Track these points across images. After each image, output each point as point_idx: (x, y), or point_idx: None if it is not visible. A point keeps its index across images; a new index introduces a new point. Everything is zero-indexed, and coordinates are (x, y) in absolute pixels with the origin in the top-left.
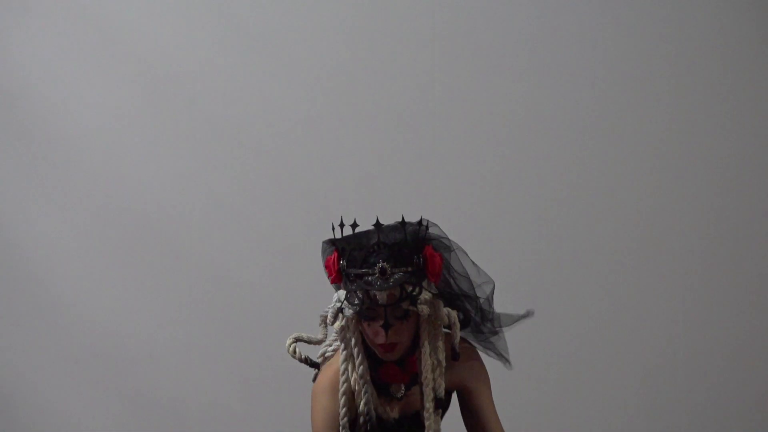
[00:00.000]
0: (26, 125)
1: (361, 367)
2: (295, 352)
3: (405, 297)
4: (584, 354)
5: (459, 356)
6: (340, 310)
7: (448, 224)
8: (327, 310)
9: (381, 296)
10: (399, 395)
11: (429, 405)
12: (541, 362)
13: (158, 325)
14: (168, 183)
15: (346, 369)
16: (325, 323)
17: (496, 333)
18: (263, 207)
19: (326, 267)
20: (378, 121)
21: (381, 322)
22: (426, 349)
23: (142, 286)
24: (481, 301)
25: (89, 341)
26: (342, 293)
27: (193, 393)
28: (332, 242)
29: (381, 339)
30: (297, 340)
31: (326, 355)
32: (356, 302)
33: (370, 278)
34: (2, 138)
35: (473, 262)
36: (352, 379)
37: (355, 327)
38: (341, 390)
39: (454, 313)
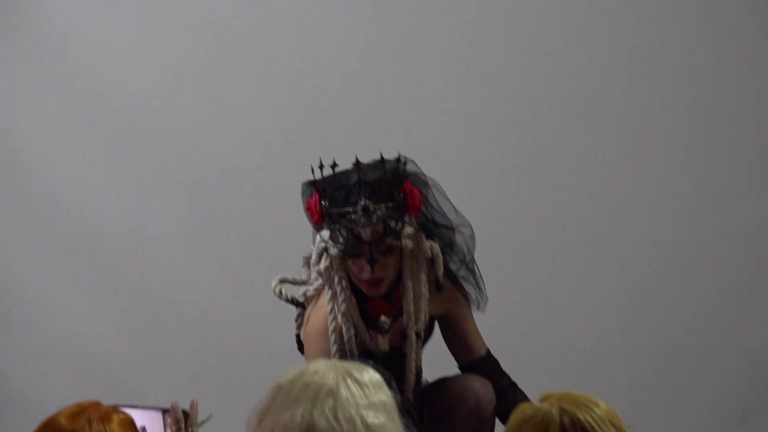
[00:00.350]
0: (17, 20)
1: (344, 305)
2: (281, 293)
3: (388, 232)
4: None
5: (443, 288)
6: (325, 249)
7: (423, 161)
8: (310, 251)
9: (365, 233)
10: (387, 327)
11: (412, 337)
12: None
13: (150, 218)
14: (162, 77)
15: (333, 308)
16: (309, 264)
17: (470, 274)
18: (256, 104)
19: (308, 209)
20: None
21: (366, 259)
22: (409, 283)
23: (136, 180)
24: (457, 235)
25: (83, 232)
26: (325, 234)
27: (184, 285)
28: (312, 184)
29: (366, 275)
30: (282, 281)
31: (307, 294)
32: (341, 241)
33: (353, 216)
34: None
35: (450, 201)
36: (339, 318)
37: (339, 266)
38: (330, 329)
39: (436, 246)
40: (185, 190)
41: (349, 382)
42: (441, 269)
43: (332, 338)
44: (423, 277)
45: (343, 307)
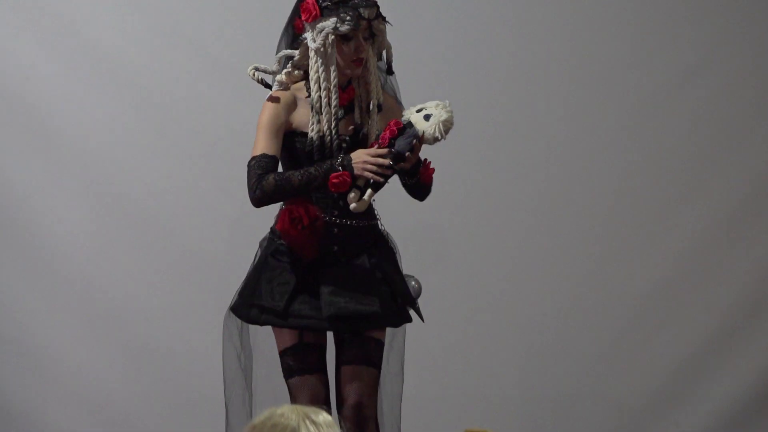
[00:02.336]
0: None
1: (335, 78)
2: (254, 75)
3: (379, 15)
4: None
5: (392, 72)
6: (336, 28)
7: None
8: (286, 52)
9: (365, 12)
10: (340, 115)
11: (374, 107)
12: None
13: (152, 289)
14: (159, 181)
15: (325, 78)
16: (288, 59)
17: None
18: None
19: (304, 9)
20: None
21: (363, 35)
22: (372, 60)
23: (142, 263)
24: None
25: (100, 304)
26: (328, 22)
27: (182, 345)
28: None
29: (362, 52)
30: (256, 68)
31: (279, 79)
32: (348, 19)
33: (357, 1)
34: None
35: None
36: (332, 88)
37: (333, 51)
38: (314, 97)
39: (388, 41)
40: (177, 269)
41: (308, 422)
42: (392, 55)
43: (320, 105)
44: (376, 62)
45: (335, 79)
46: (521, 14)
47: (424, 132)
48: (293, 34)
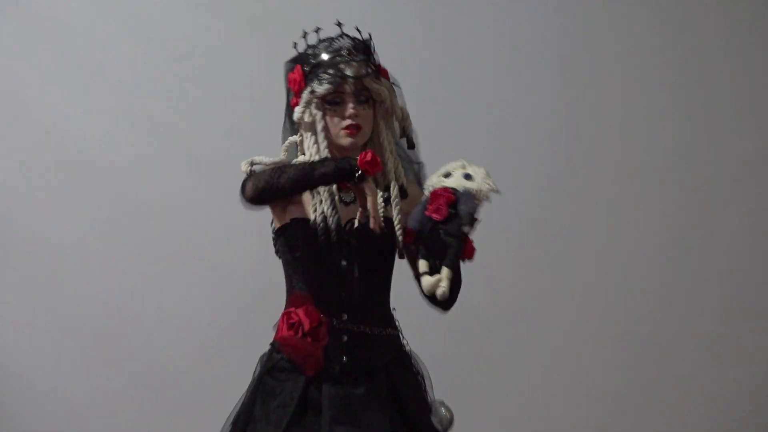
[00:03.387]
0: None
1: (325, 142)
2: (246, 170)
3: (369, 72)
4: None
5: (414, 145)
6: (312, 92)
7: None
8: (292, 139)
9: (350, 68)
10: (348, 199)
11: (394, 191)
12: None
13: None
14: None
15: (317, 150)
16: (296, 146)
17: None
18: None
19: (291, 82)
20: None
21: (350, 99)
22: (384, 135)
23: (126, 390)
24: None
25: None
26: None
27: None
28: (294, 59)
29: (350, 119)
30: (253, 163)
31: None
32: (326, 78)
33: (338, 59)
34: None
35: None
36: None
37: (320, 120)
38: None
39: (406, 109)
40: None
41: None
42: (411, 128)
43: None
44: (393, 138)
45: (324, 147)
46: (566, 108)
47: (479, 190)
48: (292, 118)
